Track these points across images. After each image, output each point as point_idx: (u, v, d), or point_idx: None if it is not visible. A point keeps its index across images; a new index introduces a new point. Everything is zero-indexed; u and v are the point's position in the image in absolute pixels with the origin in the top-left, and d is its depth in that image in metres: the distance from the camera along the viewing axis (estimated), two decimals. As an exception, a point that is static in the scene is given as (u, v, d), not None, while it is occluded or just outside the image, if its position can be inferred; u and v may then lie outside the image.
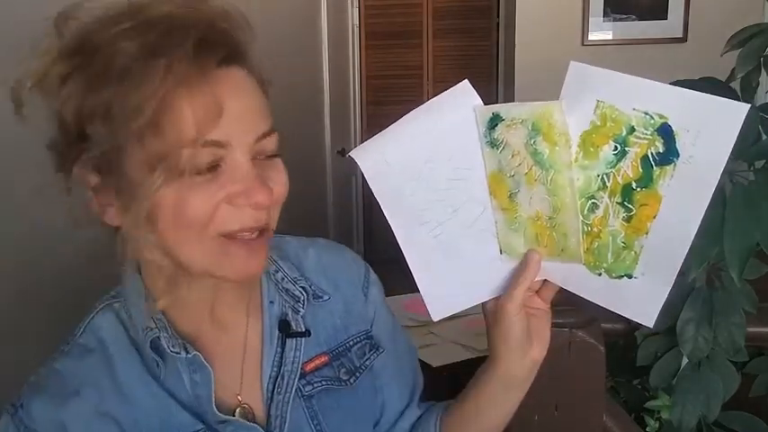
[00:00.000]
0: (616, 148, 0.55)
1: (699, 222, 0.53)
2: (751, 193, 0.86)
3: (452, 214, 0.63)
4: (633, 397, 1.23)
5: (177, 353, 0.60)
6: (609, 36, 2.67)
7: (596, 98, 0.55)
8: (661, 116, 0.53)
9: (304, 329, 0.69)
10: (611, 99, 0.54)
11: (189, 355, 0.61)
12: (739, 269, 0.83)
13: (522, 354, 0.65)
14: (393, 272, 0.98)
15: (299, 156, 2.70)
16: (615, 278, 0.58)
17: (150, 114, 0.51)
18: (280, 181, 0.60)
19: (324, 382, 0.69)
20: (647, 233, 0.56)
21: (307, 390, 0.68)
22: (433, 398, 0.82)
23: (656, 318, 0.57)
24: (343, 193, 3.60)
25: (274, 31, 2.41)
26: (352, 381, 0.71)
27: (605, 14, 2.65)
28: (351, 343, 0.73)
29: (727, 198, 0.86)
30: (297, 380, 0.67)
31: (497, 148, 0.59)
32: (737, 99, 0.93)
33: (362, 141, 0.63)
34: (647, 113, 0.53)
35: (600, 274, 0.59)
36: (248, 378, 0.67)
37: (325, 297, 0.73)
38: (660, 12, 2.62)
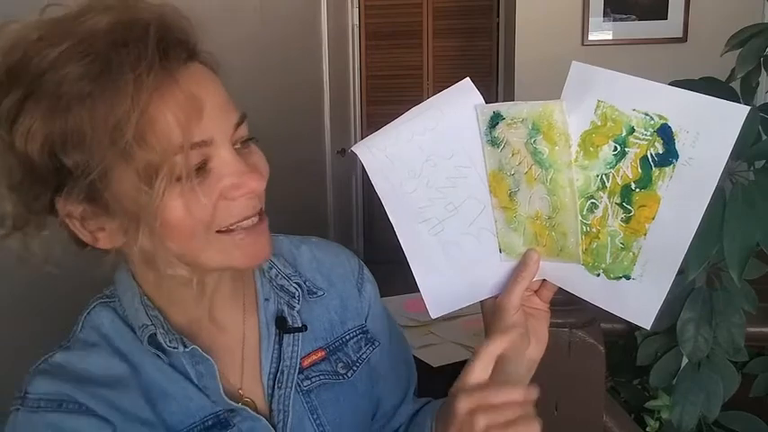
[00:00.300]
0: (616, 148, 0.55)
1: (697, 225, 0.53)
2: (751, 193, 0.86)
3: (453, 212, 0.63)
4: (633, 397, 1.23)
5: (175, 347, 0.61)
6: (609, 36, 2.67)
7: (597, 98, 0.55)
8: (661, 117, 0.53)
9: (300, 324, 0.70)
10: (612, 99, 0.54)
11: (187, 349, 0.61)
12: (739, 269, 0.83)
13: (520, 353, 0.65)
14: (393, 272, 0.99)
15: (299, 156, 2.70)
16: (613, 279, 0.58)
17: (133, 130, 0.50)
18: (262, 163, 0.61)
19: (322, 377, 0.70)
20: (645, 234, 0.56)
21: (305, 384, 0.69)
22: (434, 398, 0.82)
23: (653, 320, 0.57)
24: (343, 193, 3.60)
25: (274, 31, 2.41)
26: (349, 375, 0.72)
27: (605, 14, 2.65)
28: (347, 337, 0.74)
29: (727, 198, 0.86)
30: (296, 374, 0.68)
31: (498, 147, 0.59)
32: (737, 99, 0.94)
33: (362, 142, 0.63)
34: (647, 114, 0.53)
35: (598, 275, 0.59)
36: (248, 374, 0.67)
37: (320, 293, 0.74)
38: (660, 12, 2.62)
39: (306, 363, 0.70)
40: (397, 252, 0.65)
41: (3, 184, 0.54)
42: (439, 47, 4.03)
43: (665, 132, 0.53)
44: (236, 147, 0.58)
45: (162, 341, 0.61)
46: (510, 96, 2.96)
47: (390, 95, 4.03)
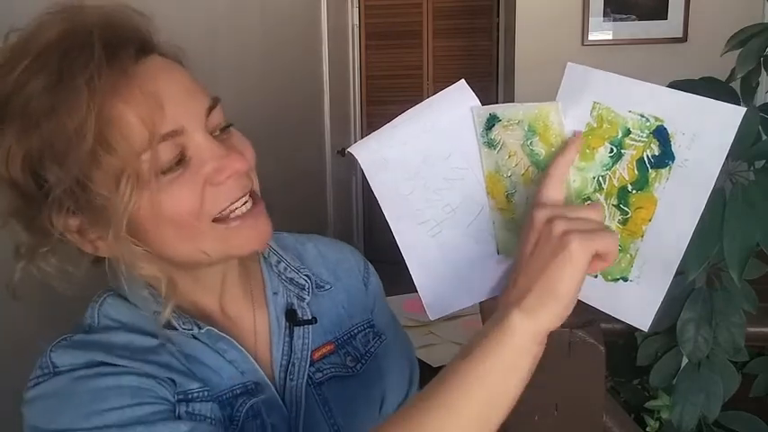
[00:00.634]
0: (612, 150, 0.55)
1: (694, 226, 0.53)
2: (751, 193, 0.85)
3: (450, 213, 0.63)
4: (633, 397, 1.23)
5: (189, 329, 0.61)
6: (609, 36, 2.67)
7: (593, 100, 0.55)
8: (657, 119, 0.53)
9: (311, 317, 0.70)
10: (608, 101, 0.54)
11: (202, 330, 0.62)
12: (739, 269, 0.83)
13: None
14: (393, 272, 0.99)
15: (299, 156, 2.70)
16: (611, 281, 0.58)
17: (94, 135, 0.50)
18: (245, 145, 0.61)
19: (332, 369, 0.71)
20: (642, 236, 0.55)
21: (317, 377, 0.70)
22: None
23: (651, 322, 0.57)
24: (343, 193, 3.61)
25: (274, 31, 2.41)
26: (358, 368, 0.73)
27: (605, 14, 2.65)
28: (355, 331, 0.75)
29: (727, 198, 0.85)
30: (308, 367, 0.69)
31: (494, 149, 0.59)
32: (737, 99, 0.93)
33: (362, 142, 0.63)
34: (643, 116, 0.53)
35: (596, 277, 0.59)
36: (260, 367, 0.68)
37: (328, 286, 0.75)
38: (660, 12, 2.62)
39: (316, 356, 0.71)
40: (397, 252, 0.65)
41: (5, 213, 0.56)
42: (439, 47, 4.03)
43: (661, 134, 0.53)
44: (216, 134, 0.58)
45: (176, 324, 0.61)
46: (510, 96, 2.96)
47: (390, 95, 4.03)
